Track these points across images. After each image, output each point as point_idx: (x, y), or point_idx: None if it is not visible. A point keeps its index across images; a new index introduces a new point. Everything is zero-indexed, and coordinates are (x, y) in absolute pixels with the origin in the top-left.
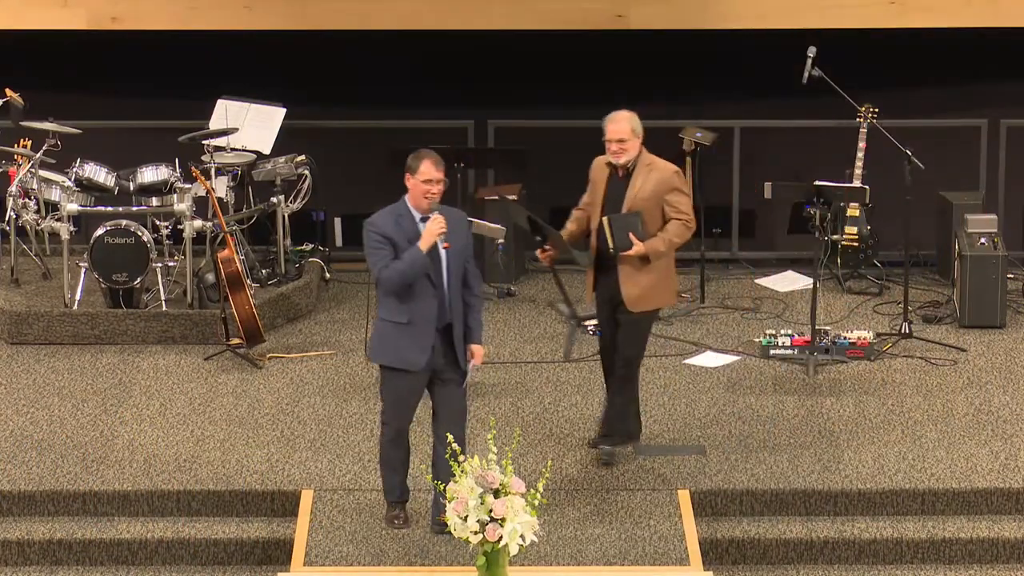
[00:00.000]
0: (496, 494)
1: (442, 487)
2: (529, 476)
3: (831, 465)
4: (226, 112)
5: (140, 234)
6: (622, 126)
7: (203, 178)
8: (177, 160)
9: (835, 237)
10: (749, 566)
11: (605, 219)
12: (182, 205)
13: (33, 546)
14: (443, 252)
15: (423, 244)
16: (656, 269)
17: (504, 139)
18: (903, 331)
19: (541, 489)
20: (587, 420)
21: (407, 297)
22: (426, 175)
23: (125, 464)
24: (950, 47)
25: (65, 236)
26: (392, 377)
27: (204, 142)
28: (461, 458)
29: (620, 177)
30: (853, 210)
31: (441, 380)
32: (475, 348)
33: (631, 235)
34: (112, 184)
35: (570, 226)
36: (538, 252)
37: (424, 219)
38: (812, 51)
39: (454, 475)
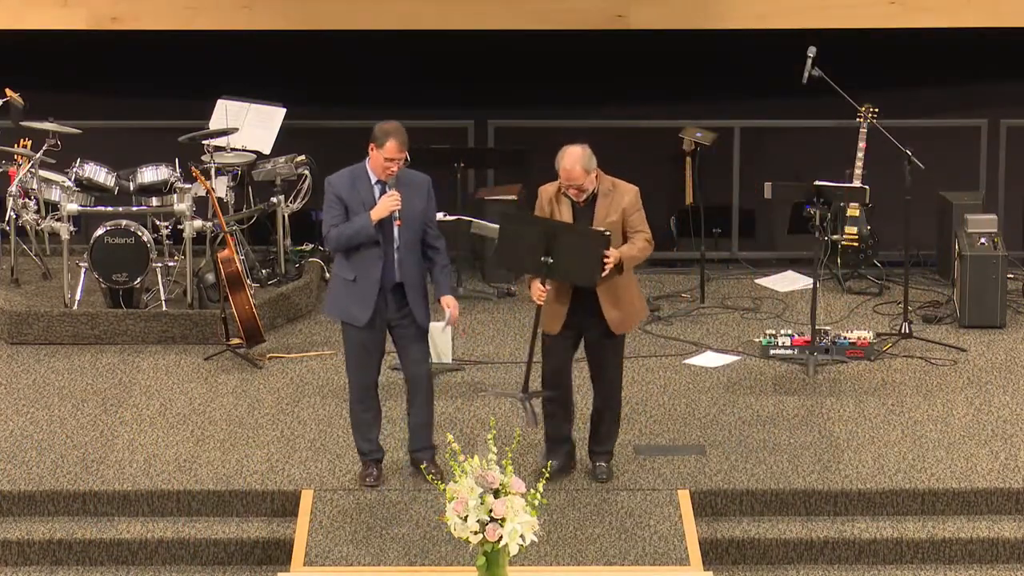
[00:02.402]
0: (496, 494)
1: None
2: (529, 476)
3: (831, 465)
4: (226, 112)
5: (140, 234)
6: (575, 171)
7: (203, 178)
8: (177, 160)
9: (835, 237)
10: (749, 566)
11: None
12: (182, 205)
13: (33, 546)
14: (396, 215)
15: (374, 214)
16: (629, 290)
17: (504, 139)
18: (903, 331)
19: (541, 489)
20: (587, 420)
21: (354, 256)
22: (389, 153)
23: (125, 464)
24: (950, 47)
25: (65, 236)
26: (347, 330)
27: (204, 142)
28: (461, 458)
29: (582, 204)
30: (853, 210)
31: (399, 342)
32: (446, 299)
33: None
34: (112, 184)
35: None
36: (535, 289)
37: (379, 183)
38: (812, 51)
39: (424, 429)
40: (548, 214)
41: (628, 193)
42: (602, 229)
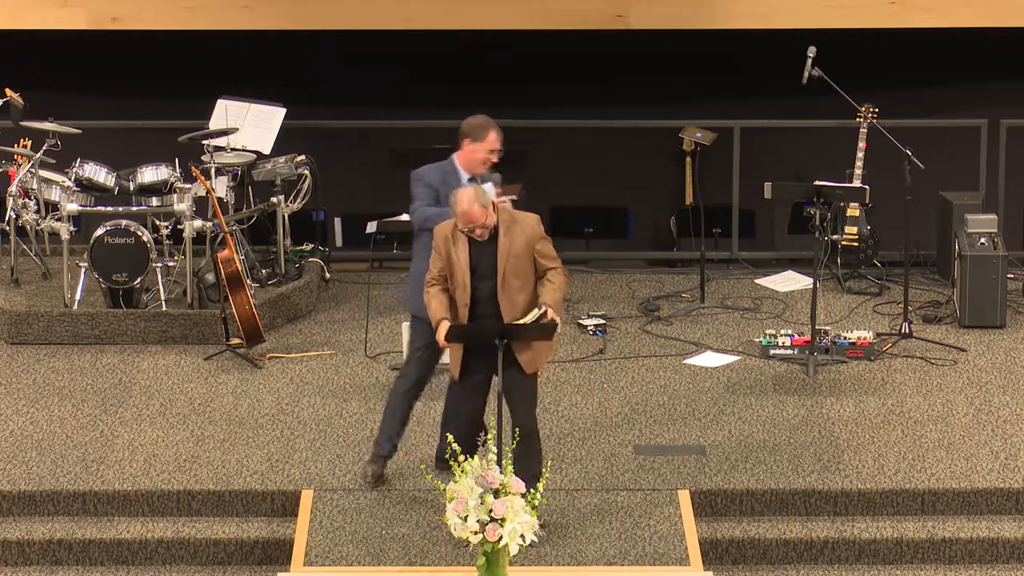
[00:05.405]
0: (496, 494)
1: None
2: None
3: (831, 465)
4: (226, 112)
5: (140, 234)
6: (473, 211)
7: (203, 178)
8: (177, 160)
9: (835, 237)
10: (749, 566)
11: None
12: (182, 205)
13: (33, 546)
14: None
15: None
16: None
17: (504, 139)
18: (903, 331)
19: (541, 489)
20: (586, 420)
21: None
22: (493, 144)
23: (125, 464)
24: (950, 47)
25: (65, 236)
26: (419, 325)
27: (204, 142)
28: (461, 458)
29: (483, 239)
30: (853, 210)
31: None
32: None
33: (543, 304)
34: (112, 184)
35: (443, 312)
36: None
37: (471, 179)
38: (812, 51)
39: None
40: (445, 253)
41: (529, 222)
42: (549, 320)
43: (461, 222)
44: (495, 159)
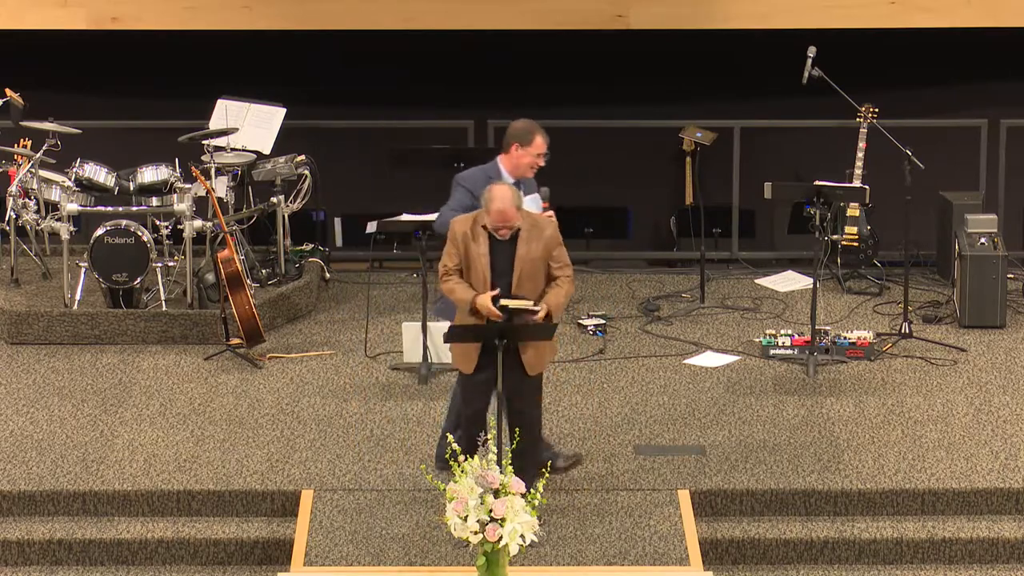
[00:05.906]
0: (496, 494)
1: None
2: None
3: (831, 465)
4: (226, 112)
5: (140, 234)
6: (510, 212)
7: (203, 178)
8: (177, 160)
9: (835, 237)
10: (749, 566)
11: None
12: (182, 205)
13: (33, 546)
14: None
15: None
16: None
17: (504, 139)
18: (903, 331)
19: (541, 489)
20: (586, 420)
21: None
22: (540, 148)
23: (125, 464)
24: (950, 47)
25: (65, 236)
26: None
27: (204, 142)
28: (461, 458)
29: (504, 239)
30: (853, 210)
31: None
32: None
33: (530, 303)
34: (112, 184)
35: (471, 291)
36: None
37: (517, 183)
38: (812, 51)
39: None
40: (463, 249)
41: (549, 228)
42: (544, 316)
43: (492, 219)
44: (542, 163)
